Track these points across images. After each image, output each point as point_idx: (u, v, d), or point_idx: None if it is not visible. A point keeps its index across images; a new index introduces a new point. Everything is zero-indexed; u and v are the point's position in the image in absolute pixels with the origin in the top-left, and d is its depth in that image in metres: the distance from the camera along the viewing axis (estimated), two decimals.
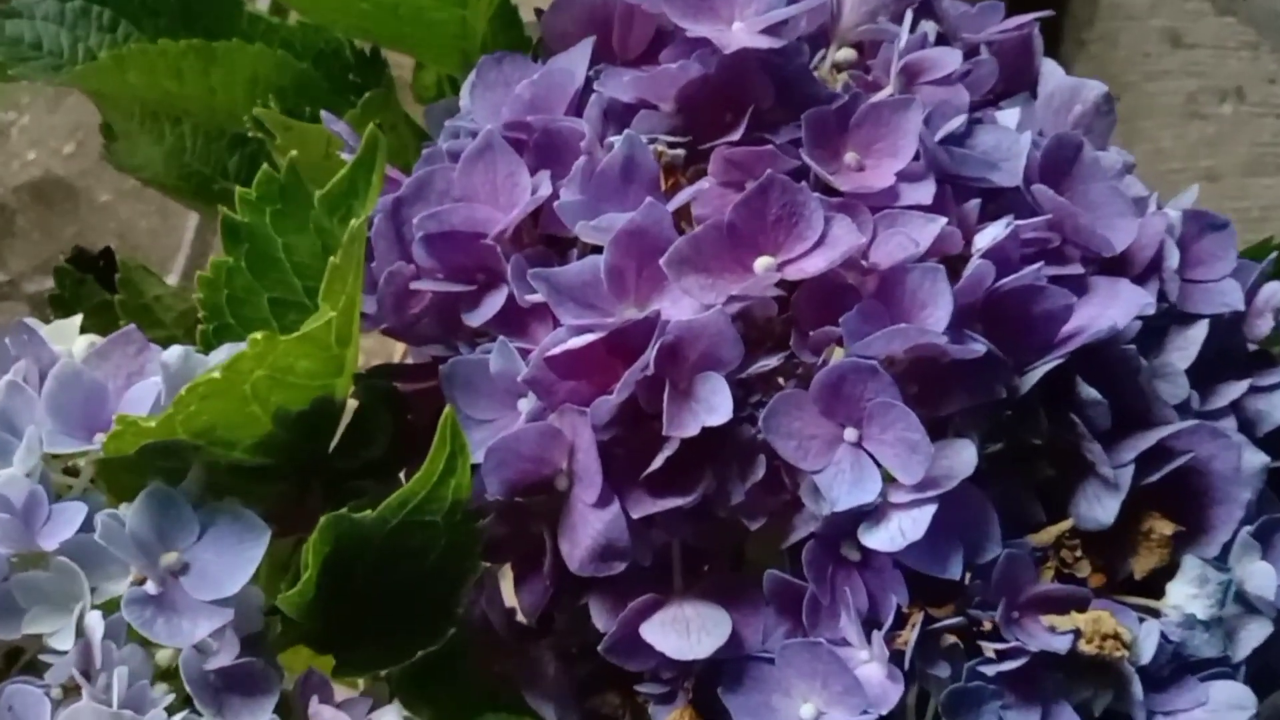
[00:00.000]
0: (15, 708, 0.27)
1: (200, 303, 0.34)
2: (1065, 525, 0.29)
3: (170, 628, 0.27)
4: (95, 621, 0.27)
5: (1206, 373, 0.31)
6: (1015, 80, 0.37)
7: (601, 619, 0.29)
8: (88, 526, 0.29)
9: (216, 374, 0.26)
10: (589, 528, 0.28)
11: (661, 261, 0.28)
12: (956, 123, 0.32)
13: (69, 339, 0.34)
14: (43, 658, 0.28)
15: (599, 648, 0.29)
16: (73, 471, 0.32)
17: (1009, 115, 0.34)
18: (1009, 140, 0.32)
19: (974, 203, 0.31)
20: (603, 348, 0.28)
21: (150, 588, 0.28)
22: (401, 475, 0.35)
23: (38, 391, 0.30)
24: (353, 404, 0.35)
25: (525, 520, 0.30)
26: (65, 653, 0.28)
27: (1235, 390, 0.31)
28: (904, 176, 0.30)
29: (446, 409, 0.27)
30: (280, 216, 0.32)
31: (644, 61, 0.34)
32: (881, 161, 0.31)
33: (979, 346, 0.27)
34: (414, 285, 0.31)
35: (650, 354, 0.27)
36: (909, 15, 0.33)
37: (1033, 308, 0.29)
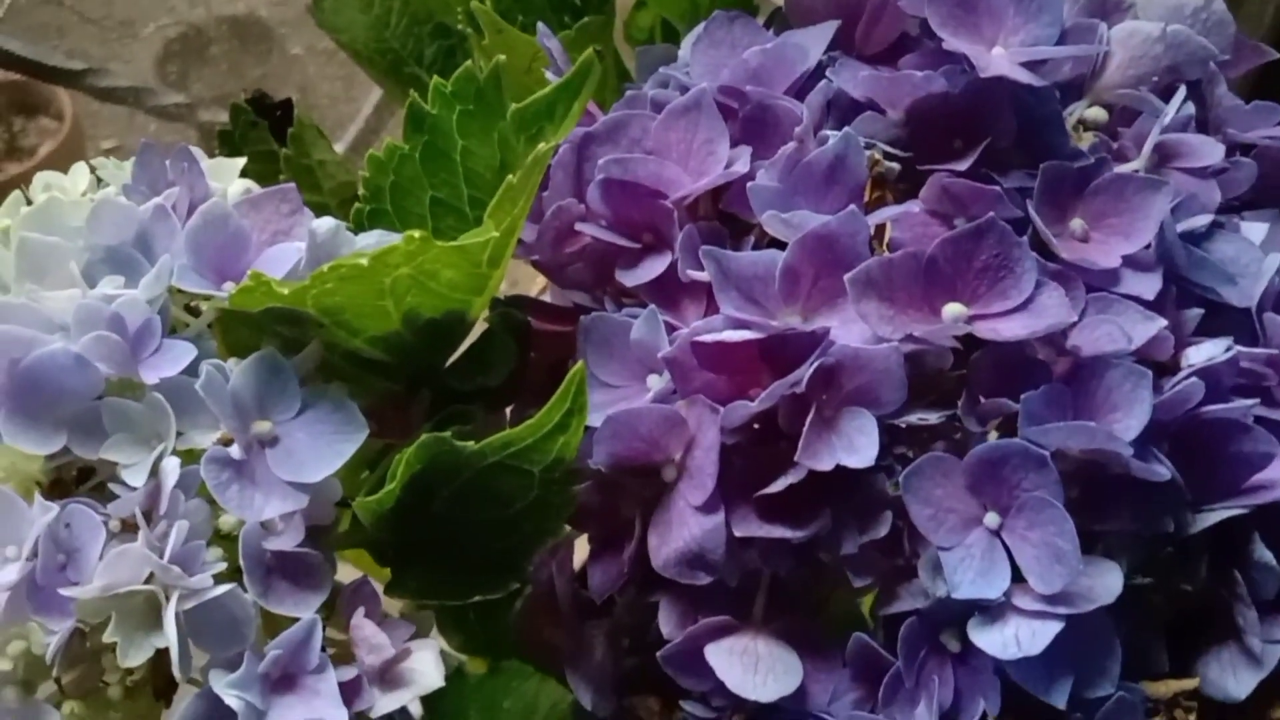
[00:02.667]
0: (73, 526, 0.27)
1: (364, 181, 0.33)
2: (1190, 684, 0.26)
3: (243, 497, 0.26)
4: (171, 467, 0.27)
5: None
6: (1270, 193, 0.33)
7: (669, 625, 0.27)
8: (192, 371, 0.28)
9: (364, 260, 0.25)
10: (685, 529, 0.26)
11: (846, 277, 0.25)
12: (1201, 221, 0.29)
13: (228, 178, 0.34)
14: (112, 486, 0.27)
15: (658, 654, 0.27)
16: (193, 312, 0.31)
17: (1255, 229, 0.31)
18: (1249, 255, 0.29)
19: (1195, 312, 0.28)
20: (756, 349, 0.26)
21: (235, 451, 0.27)
22: (508, 411, 0.34)
23: (183, 222, 0.30)
24: (479, 327, 0.33)
25: (620, 499, 0.28)
26: (134, 489, 0.27)
27: None
28: (1131, 263, 0.27)
29: (577, 364, 0.25)
30: (468, 118, 0.30)
31: (882, 61, 0.32)
32: (1110, 239, 0.28)
33: (1163, 470, 0.24)
34: (579, 226, 0.30)
35: (806, 371, 0.24)
36: (1181, 91, 0.30)
37: (1230, 445, 0.26)
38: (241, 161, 0.35)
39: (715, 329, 0.26)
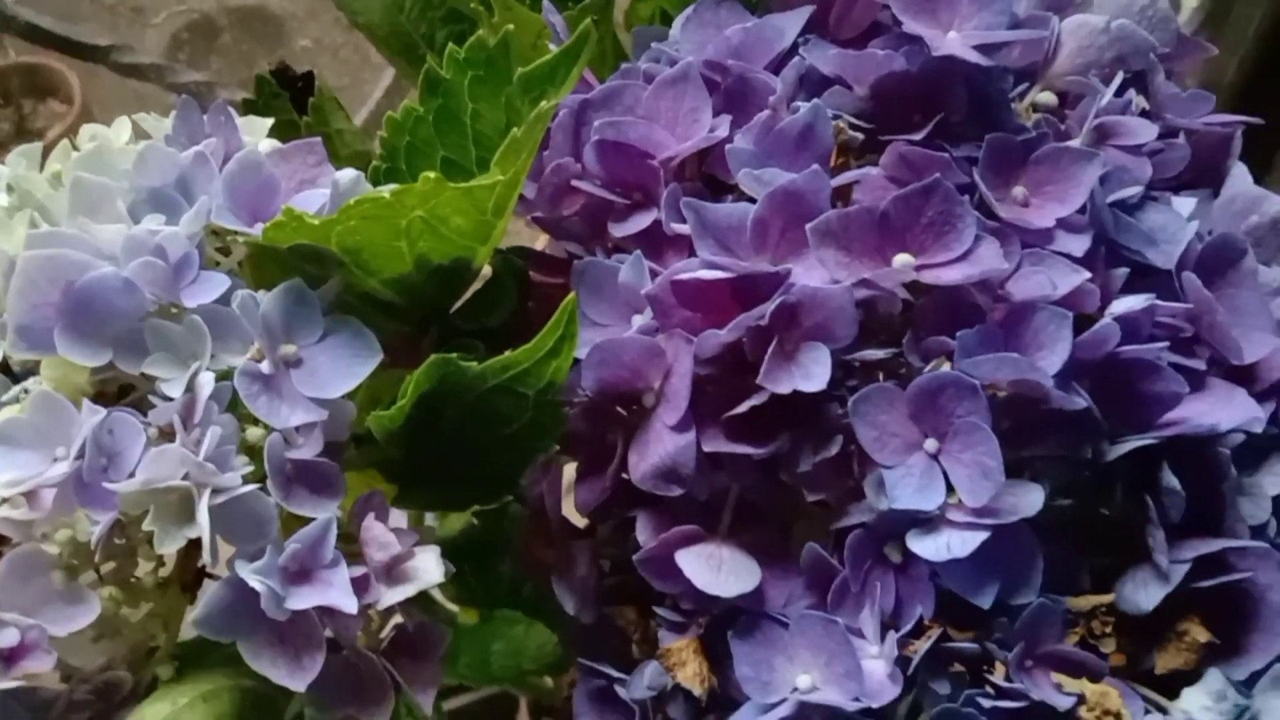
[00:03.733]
0: (115, 431, 0.30)
1: (381, 141, 0.37)
2: (1105, 599, 0.29)
3: (270, 406, 0.30)
4: (206, 380, 0.30)
5: None
6: (1203, 175, 0.37)
7: (644, 533, 0.31)
8: (225, 300, 0.31)
9: (386, 195, 0.28)
10: (661, 446, 0.29)
11: (808, 226, 0.29)
12: (1131, 192, 0.32)
13: (258, 134, 0.37)
14: (151, 398, 0.31)
15: (634, 557, 0.30)
16: (225, 251, 0.35)
17: (1184, 203, 0.34)
18: (1175, 224, 0.33)
19: (1122, 271, 0.31)
20: (727, 288, 0.29)
21: (265, 366, 0.30)
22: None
23: (220, 169, 0.33)
24: (484, 277, 0.37)
25: (604, 424, 0.32)
26: (172, 400, 0.30)
27: None
28: (1064, 224, 0.31)
29: (569, 296, 0.28)
30: (478, 83, 0.34)
31: (853, 45, 0.35)
32: (1047, 204, 0.31)
33: (1080, 401, 0.28)
34: (575, 183, 0.33)
35: (769, 306, 0.28)
36: (1119, 77, 0.34)
37: (1143, 384, 0.29)
38: (269, 121, 0.38)
39: (692, 269, 0.29)
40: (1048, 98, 0.35)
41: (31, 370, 0.32)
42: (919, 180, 0.31)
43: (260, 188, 0.33)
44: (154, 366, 0.31)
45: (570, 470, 0.34)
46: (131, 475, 0.29)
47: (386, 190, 0.32)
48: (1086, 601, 0.30)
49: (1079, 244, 0.30)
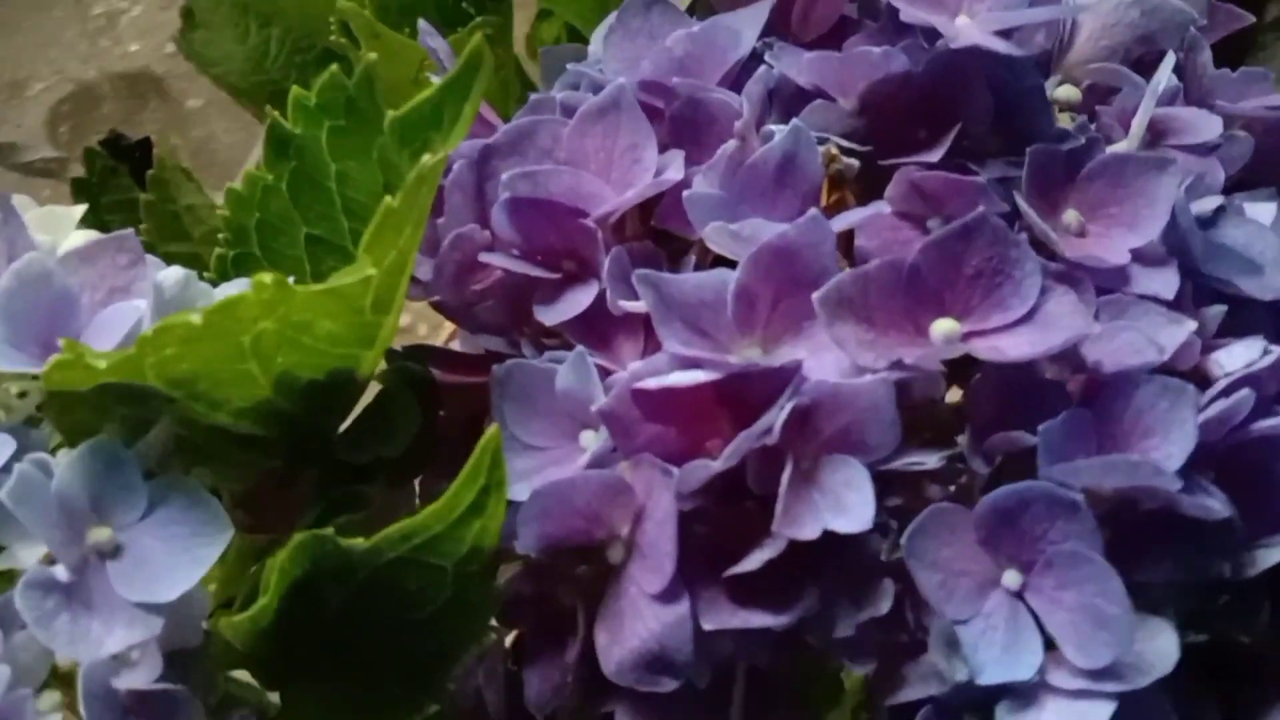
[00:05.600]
0: None
1: (224, 221, 0.28)
2: None
3: (75, 630, 0.21)
4: None
5: None
6: (1263, 170, 0.30)
7: None
8: (7, 469, 0.22)
9: (196, 318, 0.20)
10: (641, 623, 0.21)
11: (815, 296, 0.21)
12: (1209, 205, 0.25)
13: (63, 230, 0.28)
14: None
15: None
16: (19, 394, 0.25)
17: (1262, 210, 0.27)
18: (1261, 241, 0.25)
19: (1218, 309, 0.23)
20: (712, 392, 0.21)
21: (60, 571, 0.21)
22: (416, 484, 0.29)
23: None
24: (374, 385, 0.28)
25: (557, 584, 0.23)
26: None
27: None
28: (1139, 257, 0.23)
29: (490, 429, 0.20)
30: (340, 135, 0.25)
31: (821, 48, 0.27)
32: (1112, 231, 0.24)
33: (1217, 505, 0.20)
34: (484, 257, 0.25)
35: (779, 416, 0.20)
36: (1169, 59, 0.26)
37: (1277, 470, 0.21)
38: (79, 209, 0.29)
39: (659, 371, 0.21)
40: (1070, 92, 0.28)
41: None
42: (939, 214, 0.24)
43: (53, 306, 0.24)
44: None
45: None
46: None
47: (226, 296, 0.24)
48: None
49: (1167, 282, 0.23)
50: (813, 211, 0.21)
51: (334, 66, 0.24)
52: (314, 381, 0.25)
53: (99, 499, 0.22)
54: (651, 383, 0.20)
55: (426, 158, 0.21)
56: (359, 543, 0.21)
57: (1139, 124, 0.25)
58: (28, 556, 0.22)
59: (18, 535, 0.22)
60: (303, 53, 0.49)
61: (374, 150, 0.25)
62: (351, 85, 0.24)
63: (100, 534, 0.22)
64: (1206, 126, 0.26)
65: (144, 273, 0.25)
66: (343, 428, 0.27)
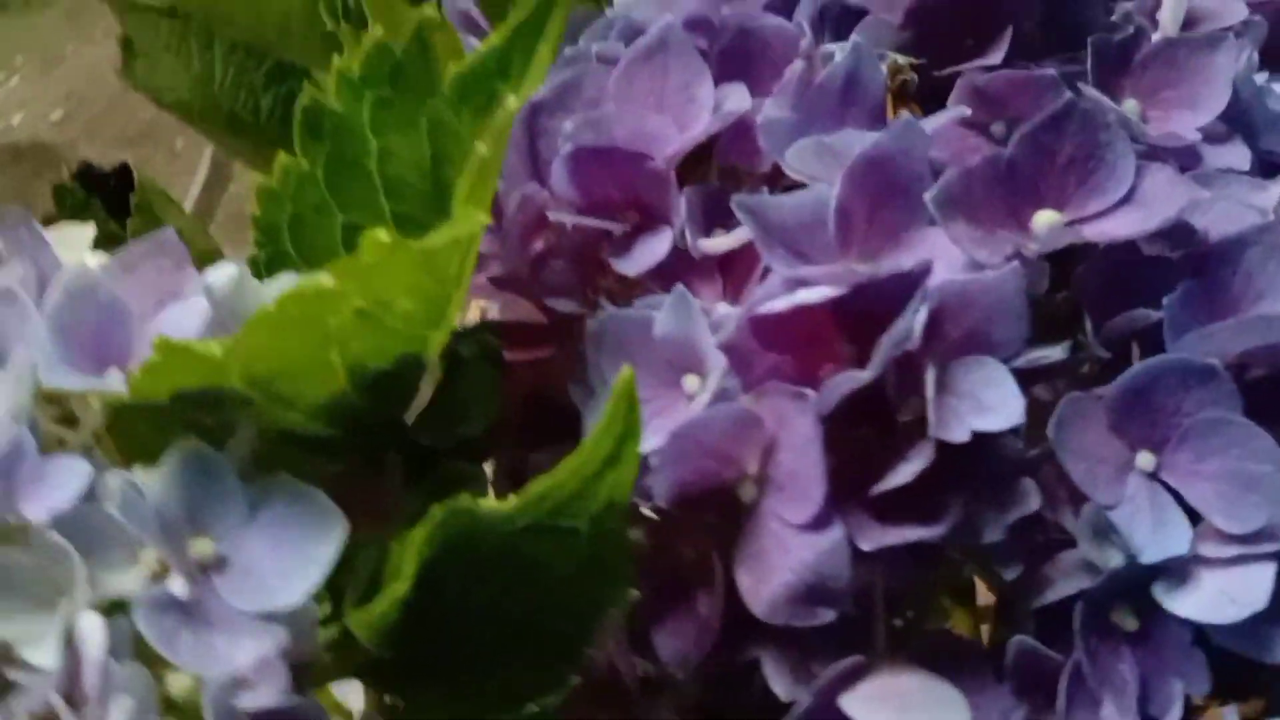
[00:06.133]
0: None
1: (255, 222, 0.27)
2: None
3: (200, 647, 0.19)
4: (92, 626, 0.19)
5: None
6: (1273, 54, 0.30)
7: (784, 684, 0.21)
8: (90, 495, 0.21)
9: (327, 280, 0.19)
10: (791, 556, 0.20)
11: (928, 197, 0.20)
12: (1260, 79, 0.25)
13: (78, 248, 0.26)
14: (10, 675, 0.20)
15: None
16: (69, 422, 0.24)
17: None
18: None
19: None
20: (829, 313, 0.20)
21: (178, 586, 0.20)
22: (487, 466, 0.28)
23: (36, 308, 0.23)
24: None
25: (677, 537, 0.22)
26: (43, 670, 0.19)
27: None
28: (1205, 136, 0.23)
29: (625, 372, 0.19)
30: (383, 109, 0.24)
31: None
32: (1171, 114, 0.24)
33: None
34: (554, 216, 0.24)
35: (916, 317, 0.19)
36: None
37: None
38: (90, 228, 0.28)
39: (777, 295, 0.20)
40: None
41: None
42: (1002, 118, 0.23)
43: (104, 319, 0.22)
44: (3, 625, 0.20)
45: None
46: None
47: (283, 289, 0.22)
48: None
49: (1239, 154, 0.23)
50: (905, 116, 0.21)
51: (377, 34, 0.22)
52: (381, 370, 0.24)
53: (196, 510, 0.21)
54: (780, 304, 0.20)
55: (510, 101, 0.20)
56: (499, 508, 0.19)
57: (1178, 9, 0.25)
58: (120, 582, 0.21)
59: (107, 561, 0.21)
60: (250, 72, 0.47)
61: (423, 119, 0.23)
62: (400, 51, 0.22)
63: (203, 546, 0.20)
64: (1232, 10, 0.26)
65: (191, 274, 0.24)
66: (417, 413, 0.26)
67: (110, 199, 0.38)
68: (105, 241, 0.40)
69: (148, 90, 0.48)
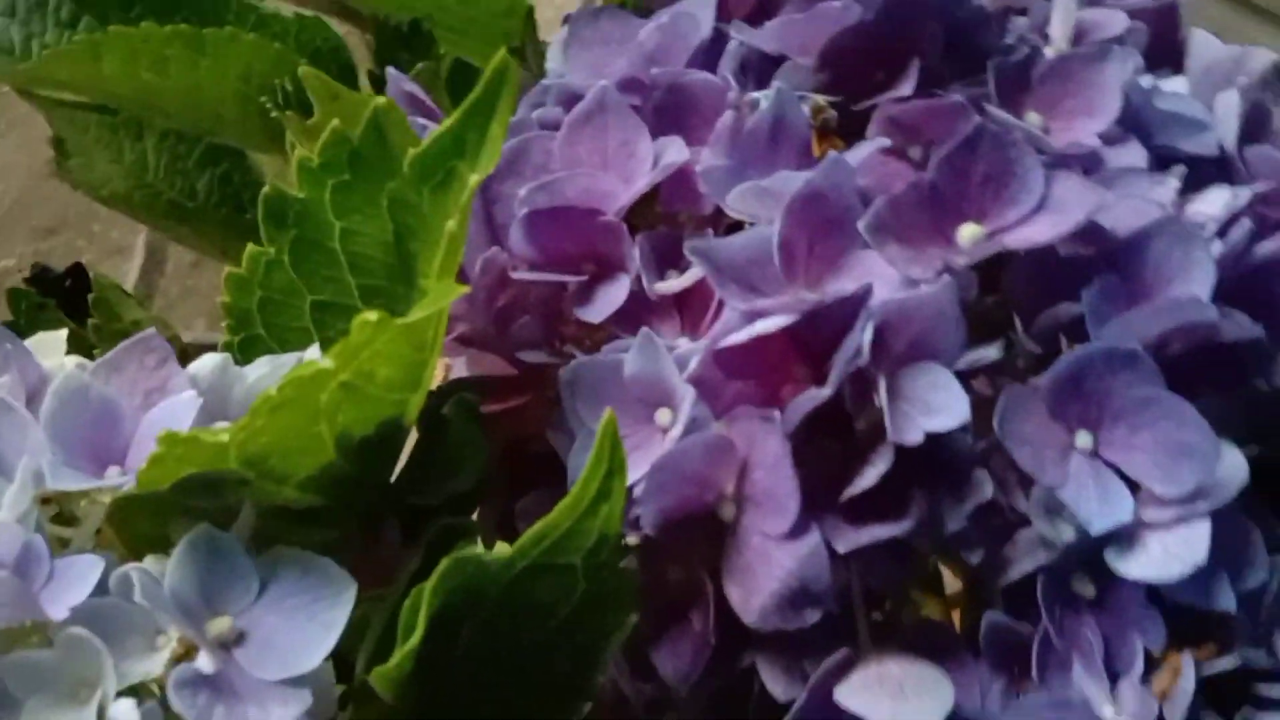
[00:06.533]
0: None
1: (226, 309, 0.28)
2: None
3: (233, 717, 0.20)
4: (126, 710, 0.20)
5: None
6: (1158, 53, 0.33)
7: (780, 684, 0.23)
8: (101, 589, 0.22)
9: (326, 362, 0.20)
10: (775, 566, 0.22)
11: (860, 224, 0.22)
12: (1147, 82, 0.27)
13: (55, 354, 0.27)
14: None
15: None
16: (67, 520, 0.25)
17: (1176, 83, 0.30)
18: (1191, 108, 0.28)
19: (1178, 169, 0.26)
20: (785, 339, 0.22)
21: (204, 663, 0.21)
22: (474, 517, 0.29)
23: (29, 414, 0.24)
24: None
25: (665, 562, 0.24)
26: None
27: None
28: (1104, 139, 0.26)
29: (606, 413, 0.20)
30: (345, 192, 0.25)
31: (755, 22, 0.29)
32: (1072, 122, 0.26)
33: (1250, 325, 0.22)
34: (516, 275, 0.25)
35: (864, 334, 0.21)
36: None
37: None
38: (63, 334, 0.29)
39: (735, 328, 0.22)
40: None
41: None
42: (919, 143, 0.25)
43: (98, 419, 0.23)
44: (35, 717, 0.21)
45: None
46: None
47: (262, 381, 0.24)
48: None
49: (1137, 154, 0.25)
50: (832, 154, 0.23)
51: (333, 123, 0.24)
52: (366, 437, 0.25)
53: (210, 590, 0.22)
54: (740, 335, 0.21)
55: (472, 178, 0.21)
56: (500, 554, 0.21)
57: (1066, 25, 0.28)
58: (140, 668, 0.21)
59: (125, 650, 0.22)
60: (183, 158, 0.48)
61: (383, 198, 0.25)
62: (357, 137, 0.24)
63: (221, 624, 0.21)
64: (1115, 21, 0.29)
65: (175, 369, 0.25)
66: (406, 473, 0.27)
67: (69, 298, 0.39)
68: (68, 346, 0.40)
69: (84, 187, 0.48)
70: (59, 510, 0.25)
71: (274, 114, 0.33)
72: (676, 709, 0.25)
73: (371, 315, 0.20)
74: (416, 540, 0.25)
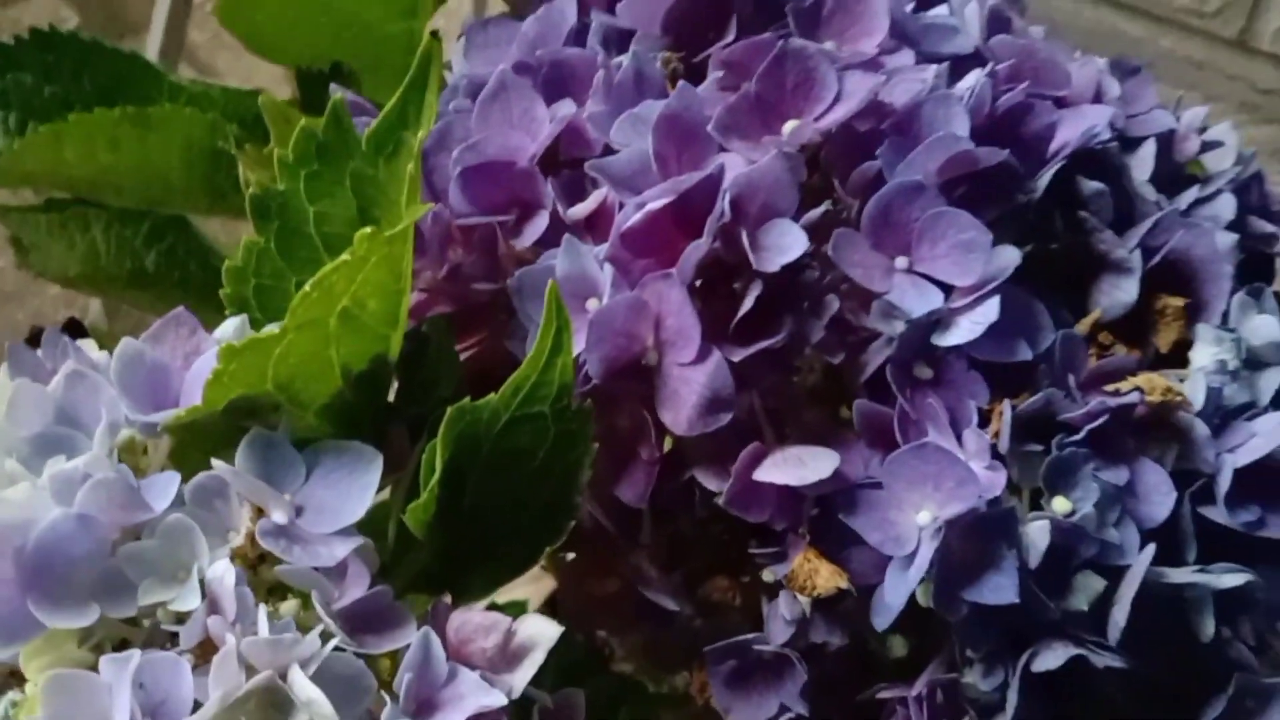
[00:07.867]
0: (146, 684, 0.26)
1: (226, 298, 0.34)
2: (1095, 315, 0.32)
3: (309, 553, 0.27)
4: (224, 567, 0.27)
5: (1159, 189, 0.36)
6: None
7: (712, 480, 0.30)
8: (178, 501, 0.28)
9: (327, 280, 0.27)
10: (691, 385, 0.29)
11: (710, 126, 0.30)
12: (909, 7, 0.36)
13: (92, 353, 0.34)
14: (165, 628, 0.27)
15: (722, 498, 0.30)
16: (134, 467, 0.31)
17: (941, 8, 0.38)
18: (948, 21, 0.37)
19: (943, 66, 0.34)
20: (670, 219, 0.30)
21: (278, 516, 0.27)
22: None
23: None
24: None
25: (615, 412, 0.31)
26: (189, 612, 0.26)
27: (1188, 197, 0.36)
28: (882, 49, 0.34)
29: (550, 285, 0.28)
30: (314, 180, 0.32)
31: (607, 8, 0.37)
32: (859, 42, 0.34)
33: (999, 150, 0.31)
34: (460, 221, 0.33)
35: (724, 200, 0.29)
36: None
37: (1024, 127, 0.32)
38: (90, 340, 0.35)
39: (631, 213, 0.29)
40: None
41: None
42: (747, 77, 0.33)
43: (152, 375, 0.30)
44: (149, 594, 0.27)
45: None
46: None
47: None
48: (1084, 324, 0.32)
49: (907, 56, 0.34)
50: (681, 83, 0.31)
51: (302, 122, 0.31)
52: (362, 371, 0.32)
53: (270, 476, 0.28)
54: (638, 217, 0.29)
55: (419, 135, 0.28)
56: (490, 400, 0.28)
57: None
58: (221, 554, 0.28)
59: (212, 541, 0.28)
60: (130, 239, 0.54)
61: (347, 178, 0.32)
62: (320, 129, 0.31)
63: (283, 500, 0.28)
64: None
65: (204, 335, 0.31)
66: (399, 393, 0.33)
67: None
68: None
69: (47, 275, 0.54)
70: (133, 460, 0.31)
71: (233, 151, 0.39)
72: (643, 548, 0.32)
73: (367, 230, 0.27)
74: (417, 439, 0.32)
